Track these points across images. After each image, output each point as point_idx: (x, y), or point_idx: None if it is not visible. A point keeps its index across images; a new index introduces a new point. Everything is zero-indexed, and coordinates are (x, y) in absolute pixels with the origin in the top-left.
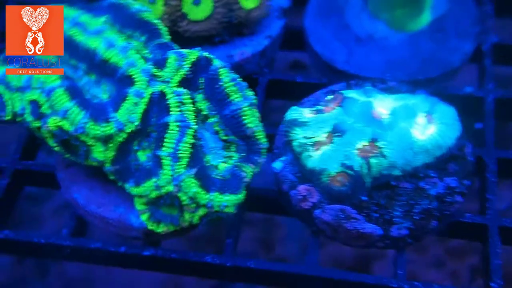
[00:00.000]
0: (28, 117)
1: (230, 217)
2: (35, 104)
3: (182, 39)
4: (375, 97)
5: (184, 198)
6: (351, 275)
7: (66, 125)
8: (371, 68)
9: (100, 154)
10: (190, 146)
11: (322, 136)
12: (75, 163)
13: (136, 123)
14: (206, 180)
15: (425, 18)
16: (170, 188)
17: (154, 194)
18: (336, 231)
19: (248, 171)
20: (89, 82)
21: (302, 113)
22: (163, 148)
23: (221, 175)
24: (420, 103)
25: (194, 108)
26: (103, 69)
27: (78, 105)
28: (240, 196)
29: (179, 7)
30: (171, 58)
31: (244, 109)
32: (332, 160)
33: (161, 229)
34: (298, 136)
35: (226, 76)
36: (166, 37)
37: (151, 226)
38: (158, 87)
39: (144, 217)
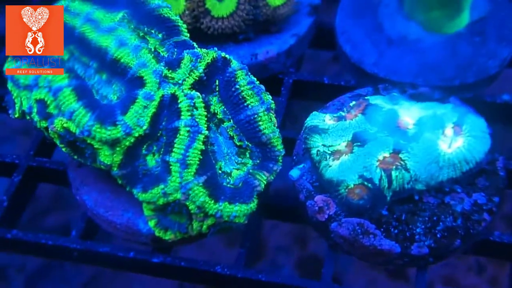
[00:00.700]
0: (35, 117)
1: (241, 226)
2: (42, 103)
3: (205, 36)
4: (402, 104)
5: (192, 206)
6: None
7: (72, 127)
8: (402, 72)
9: (107, 157)
10: (200, 152)
11: (342, 145)
12: None
13: (145, 127)
14: (215, 188)
15: (463, 20)
16: (178, 196)
17: (161, 201)
18: (353, 246)
19: (262, 179)
20: (99, 81)
21: (323, 119)
22: (172, 154)
23: (233, 183)
24: (449, 113)
25: (206, 113)
26: (114, 68)
27: (84, 106)
28: (252, 206)
29: (202, 3)
30: (186, 59)
31: (260, 114)
32: (351, 171)
33: (169, 236)
34: (317, 143)
35: (243, 79)
36: (185, 35)
37: (158, 233)
38: (169, 89)
39: (151, 224)
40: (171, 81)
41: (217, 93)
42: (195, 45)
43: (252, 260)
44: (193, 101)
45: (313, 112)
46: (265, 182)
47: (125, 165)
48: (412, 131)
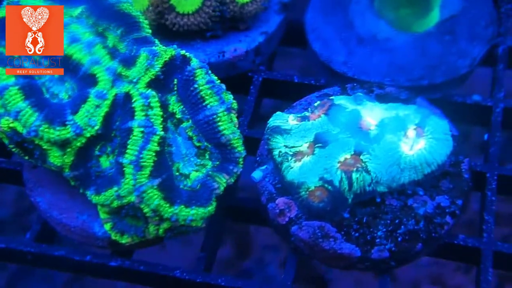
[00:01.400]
0: None
1: (200, 230)
2: None
3: (171, 32)
4: (365, 105)
5: (146, 210)
6: None
7: (18, 127)
8: (371, 71)
9: (57, 159)
10: (155, 154)
11: (304, 146)
12: None
13: (97, 127)
14: (171, 191)
15: (433, 18)
16: (132, 198)
17: (115, 204)
18: (313, 250)
19: (222, 181)
20: (51, 79)
21: (286, 119)
22: (126, 155)
23: (190, 186)
24: (412, 115)
25: (162, 113)
26: (65, 65)
27: (32, 106)
28: (210, 209)
29: None
30: (142, 56)
31: (220, 114)
32: (312, 173)
33: (125, 240)
34: (279, 144)
35: (202, 78)
36: (147, 31)
37: (114, 236)
38: (123, 88)
39: (107, 227)
40: (125, 79)
41: (175, 92)
42: (156, 42)
43: (238, 257)
44: (148, 101)
45: (276, 112)
46: (224, 185)
47: (77, 167)
48: (374, 132)
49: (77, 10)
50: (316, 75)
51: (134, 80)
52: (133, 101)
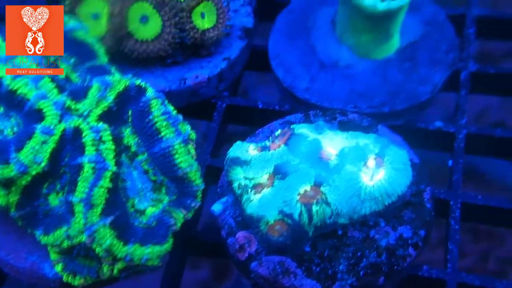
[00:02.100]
0: None
1: (156, 269)
2: None
3: (131, 59)
4: (326, 134)
5: (98, 250)
6: None
7: None
8: (333, 98)
9: (2, 198)
10: (107, 191)
11: (264, 178)
12: None
13: (43, 164)
14: (125, 229)
15: (393, 45)
16: (83, 238)
17: (65, 244)
18: (273, 287)
19: (179, 217)
20: None
21: (246, 149)
22: (76, 193)
23: (146, 223)
24: (371, 144)
25: (115, 147)
26: (10, 100)
27: None
28: (166, 247)
29: (123, 25)
30: (93, 87)
31: (176, 147)
32: (271, 206)
33: (78, 281)
34: (239, 176)
35: (158, 109)
36: (102, 59)
37: (66, 278)
38: (72, 122)
39: (58, 268)
40: (75, 112)
41: (130, 124)
42: (113, 70)
43: (215, 279)
44: (100, 134)
45: (236, 142)
46: (182, 220)
47: (23, 206)
48: (335, 162)
49: None
50: (281, 101)
51: (85, 113)
52: (83, 135)
